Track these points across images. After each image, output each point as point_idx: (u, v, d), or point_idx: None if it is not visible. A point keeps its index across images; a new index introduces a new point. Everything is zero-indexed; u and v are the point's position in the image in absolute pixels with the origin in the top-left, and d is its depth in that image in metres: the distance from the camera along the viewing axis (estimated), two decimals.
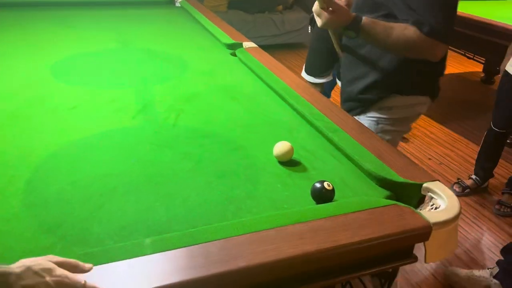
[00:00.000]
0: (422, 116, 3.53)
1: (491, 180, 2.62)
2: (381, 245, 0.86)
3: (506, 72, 2.23)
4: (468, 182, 2.59)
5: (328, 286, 0.90)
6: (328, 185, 0.99)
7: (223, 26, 2.41)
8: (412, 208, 0.94)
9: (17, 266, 0.64)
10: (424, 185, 1.03)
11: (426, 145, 3.11)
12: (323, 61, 2.46)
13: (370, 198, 0.99)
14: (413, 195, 1.05)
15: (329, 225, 0.88)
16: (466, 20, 3.07)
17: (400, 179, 1.06)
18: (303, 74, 2.57)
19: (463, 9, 3.29)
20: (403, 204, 0.96)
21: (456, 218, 0.93)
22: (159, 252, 0.79)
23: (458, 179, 2.64)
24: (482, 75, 4.48)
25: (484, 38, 3.01)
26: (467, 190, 2.53)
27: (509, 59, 2.25)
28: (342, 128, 1.28)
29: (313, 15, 1.48)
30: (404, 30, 1.29)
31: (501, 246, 2.16)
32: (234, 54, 2.03)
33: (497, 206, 2.42)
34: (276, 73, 1.68)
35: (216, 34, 2.26)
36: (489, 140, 2.46)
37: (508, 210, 2.37)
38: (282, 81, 1.61)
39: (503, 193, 2.47)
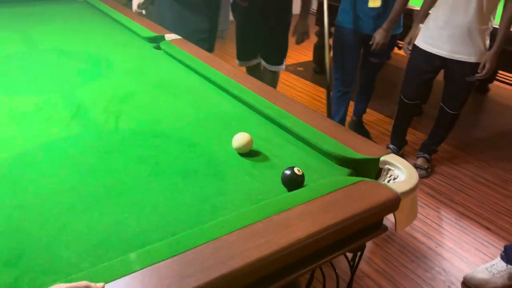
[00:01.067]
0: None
1: (406, 147, 2.88)
2: (361, 221, 0.90)
3: (414, 46, 2.40)
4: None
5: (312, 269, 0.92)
6: (298, 171, 1.00)
7: (138, 19, 2.28)
8: (379, 182, 1.00)
9: None
10: (382, 158, 1.09)
11: (346, 123, 3.30)
12: (254, 44, 2.66)
13: (339, 178, 1.02)
14: (372, 169, 1.11)
15: (310, 209, 0.89)
16: None
17: (359, 155, 1.11)
18: (238, 62, 2.75)
19: None
20: (369, 179, 1.01)
21: (417, 186, 1.00)
22: (149, 265, 0.73)
23: None
24: None
25: None
26: None
27: (412, 35, 2.46)
28: (292, 113, 1.30)
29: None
30: None
31: (423, 205, 2.39)
32: (158, 48, 1.94)
33: None
34: (211, 64, 1.65)
35: (133, 27, 2.13)
36: (402, 111, 2.62)
37: (424, 171, 2.63)
38: (219, 72, 1.57)
39: (417, 157, 2.72)
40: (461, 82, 2.29)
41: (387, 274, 1.89)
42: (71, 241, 0.82)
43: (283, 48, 2.73)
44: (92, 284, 0.63)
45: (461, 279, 1.87)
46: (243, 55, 2.74)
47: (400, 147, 2.82)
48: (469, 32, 2.14)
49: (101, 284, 0.64)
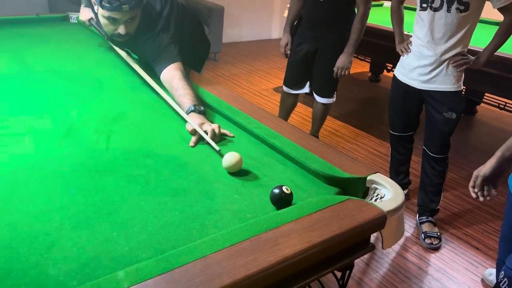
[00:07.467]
0: (327, 116, 3.79)
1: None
2: (348, 238, 0.91)
3: (394, 77, 2.28)
4: None
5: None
6: (287, 189, 1.02)
7: None
8: (365, 200, 1.01)
9: None
10: (368, 177, 1.11)
11: (335, 143, 3.34)
12: (298, 76, 2.88)
13: (326, 196, 1.04)
14: (359, 188, 1.13)
15: (298, 227, 0.90)
16: None
17: (346, 175, 1.13)
18: (284, 88, 2.96)
19: None
20: (356, 198, 1.03)
21: (403, 204, 1.02)
22: (137, 283, 0.73)
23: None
24: (369, 74, 4.95)
25: (369, 41, 3.32)
26: None
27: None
28: (281, 134, 1.32)
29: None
30: None
31: (413, 226, 2.40)
32: None
33: (427, 241, 2.22)
34: (202, 86, 1.68)
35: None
36: (395, 146, 2.44)
37: (436, 240, 2.22)
38: (211, 93, 1.60)
39: (421, 224, 2.32)
40: (438, 118, 2.10)
41: None
42: (59, 260, 0.83)
43: (331, 82, 2.82)
44: None
45: None
46: (287, 82, 2.94)
47: (402, 187, 2.20)
48: (439, 61, 2.04)
49: None
